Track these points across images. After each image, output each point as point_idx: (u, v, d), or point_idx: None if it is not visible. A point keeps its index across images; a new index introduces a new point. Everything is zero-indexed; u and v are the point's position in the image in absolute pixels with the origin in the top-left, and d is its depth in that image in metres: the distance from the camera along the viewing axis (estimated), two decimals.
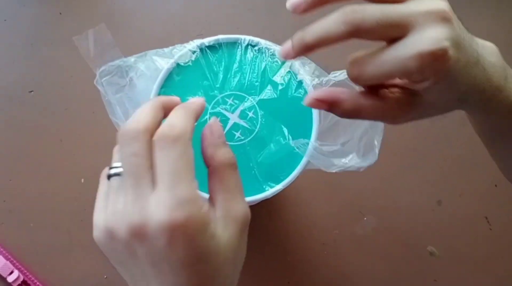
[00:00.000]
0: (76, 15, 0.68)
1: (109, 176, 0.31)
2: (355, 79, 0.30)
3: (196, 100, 0.34)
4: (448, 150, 0.64)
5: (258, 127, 0.42)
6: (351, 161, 0.42)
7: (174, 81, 0.41)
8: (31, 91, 0.64)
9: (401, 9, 0.28)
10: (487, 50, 0.33)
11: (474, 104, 0.33)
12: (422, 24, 0.28)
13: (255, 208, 0.54)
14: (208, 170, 0.32)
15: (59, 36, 0.67)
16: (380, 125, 0.41)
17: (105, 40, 0.38)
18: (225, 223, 0.30)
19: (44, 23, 0.67)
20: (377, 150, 0.41)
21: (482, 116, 0.36)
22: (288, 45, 0.31)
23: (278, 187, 0.42)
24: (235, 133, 0.42)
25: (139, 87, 0.40)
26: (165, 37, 0.66)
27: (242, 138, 0.41)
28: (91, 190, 0.61)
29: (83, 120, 0.63)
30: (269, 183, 0.42)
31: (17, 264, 0.58)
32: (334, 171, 0.42)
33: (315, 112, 0.42)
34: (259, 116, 0.42)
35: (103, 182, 0.33)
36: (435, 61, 0.28)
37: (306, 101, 0.32)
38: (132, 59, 0.40)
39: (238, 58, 0.42)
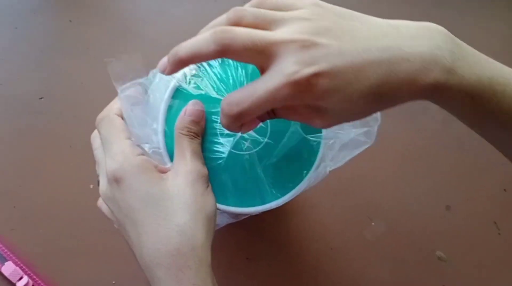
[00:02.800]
0: (86, 23, 0.69)
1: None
2: (237, 119, 0.31)
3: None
4: (456, 155, 0.64)
5: (267, 136, 0.41)
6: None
7: (183, 93, 0.41)
8: (41, 98, 0.65)
9: (267, 37, 0.30)
10: (414, 41, 0.31)
11: (408, 98, 0.32)
12: (284, 53, 0.29)
13: (262, 213, 0.54)
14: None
15: (70, 43, 0.67)
16: None
17: (136, 67, 0.39)
18: (175, 176, 0.37)
19: (54, 31, 0.68)
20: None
21: (443, 106, 0.35)
22: (164, 59, 0.34)
23: (284, 199, 0.42)
24: (245, 142, 0.41)
25: (152, 98, 0.40)
26: (173, 43, 0.66)
27: (251, 147, 0.41)
28: (99, 196, 0.62)
29: (92, 127, 0.63)
30: (277, 192, 0.42)
31: (27, 269, 0.58)
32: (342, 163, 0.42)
33: None
34: (269, 125, 0.42)
35: None
36: (301, 89, 0.29)
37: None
38: (151, 75, 0.40)
39: (248, 67, 0.41)
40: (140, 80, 0.40)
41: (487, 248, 0.61)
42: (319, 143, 0.42)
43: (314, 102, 0.30)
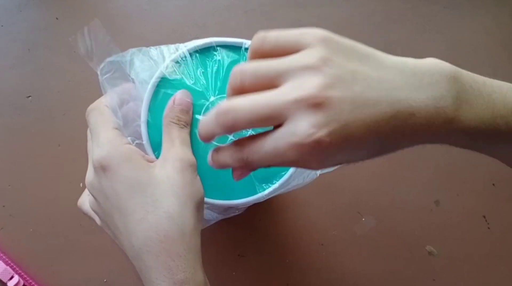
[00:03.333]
0: (73, 20, 0.68)
1: None
2: (243, 166, 0.33)
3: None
4: (445, 150, 0.64)
5: (251, 130, 0.41)
6: None
7: (167, 84, 0.41)
8: (29, 97, 0.64)
9: (272, 101, 0.29)
10: (420, 92, 0.30)
11: (409, 146, 0.32)
12: (294, 114, 0.28)
13: (252, 209, 0.54)
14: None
15: (57, 41, 0.67)
16: None
17: (101, 36, 0.39)
18: (163, 164, 0.37)
19: (41, 28, 0.67)
20: None
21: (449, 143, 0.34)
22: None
23: (271, 190, 0.42)
24: (231, 137, 0.42)
25: (136, 84, 0.40)
26: (162, 40, 0.66)
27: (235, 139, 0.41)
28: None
29: (82, 125, 0.63)
30: (263, 185, 0.42)
31: (17, 269, 0.58)
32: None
33: None
34: None
35: None
36: (311, 151, 0.28)
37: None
38: (128, 56, 0.40)
39: (232, 60, 0.42)
40: (116, 58, 0.39)
41: (477, 242, 0.62)
42: None
43: (321, 157, 0.29)
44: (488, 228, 0.62)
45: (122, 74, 0.40)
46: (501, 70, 0.68)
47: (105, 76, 0.39)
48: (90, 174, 0.38)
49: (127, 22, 0.68)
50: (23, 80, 0.65)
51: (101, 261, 0.59)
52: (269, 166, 0.32)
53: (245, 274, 0.60)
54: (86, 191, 0.43)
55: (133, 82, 0.40)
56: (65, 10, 0.68)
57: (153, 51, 0.41)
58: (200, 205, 0.37)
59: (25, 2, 0.68)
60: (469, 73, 0.33)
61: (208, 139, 0.33)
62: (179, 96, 0.40)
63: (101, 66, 0.39)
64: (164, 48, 0.42)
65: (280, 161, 0.30)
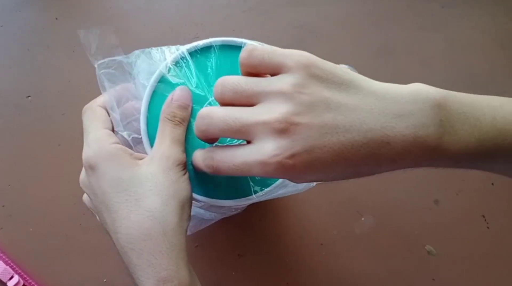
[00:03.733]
0: (72, 20, 0.68)
1: None
2: (212, 172, 0.35)
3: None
4: None
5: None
6: None
7: (166, 85, 0.41)
8: (29, 96, 0.65)
9: (243, 118, 0.31)
10: (398, 121, 0.30)
11: (388, 171, 0.32)
12: (261, 134, 0.30)
13: (251, 209, 0.54)
14: None
15: (56, 41, 0.67)
16: None
17: (108, 41, 0.39)
18: (150, 161, 0.37)
19: (40, 28, 0.67)
20: None
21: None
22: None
23: (263, 193, 0.42)
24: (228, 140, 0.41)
25: (137, 82, 0.41)
26: (161, 40, 0.67)
27: (234, 141, 0.41)
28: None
29: (81, 125, 0.63)
30: (258, 187, 0.42)
31: (17, 268, 0.58)
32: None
33: None
34: None
35: None
36: (276, 170, 0.30)
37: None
38: (133, 57, 0.40)
39: (231, 60, 0.42)
40: (119, 57, 0.40)
41: (476, 241, 0.62)
42: None
43: (288, 177, 0.31)
44: (488, 227, 0.62)
45: (121, 71, 0.40)
46: (498, 69, 0.68)
47: (103, 71, 0.39)
48: (82, 172, 0.40)
49: (125, 22, 0.68)
50: (23, 80, 0.65)
51: (101, 261, 0.59)
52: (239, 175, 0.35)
53: (245, 273, 0.60)
54: None
55: (133, 80, 0.41)
56: (65, 10, 0.68)
57: (154, 52, 0.42)
58: (185, 204, 0.37)
59: (24, 2, 0.68)
60: (459, 95, 0.32)
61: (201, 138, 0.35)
62: (178, 92, 0.40)
63: (101, 61, 0.39)
64: (165, 49, 0.42)
65: (248, 174, 0.32)
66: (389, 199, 0.63)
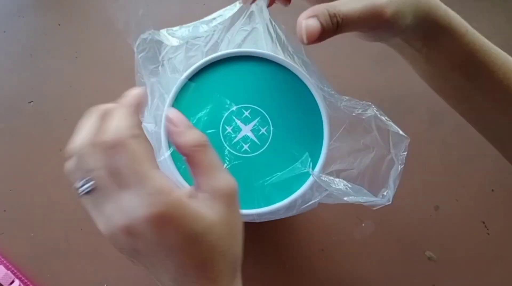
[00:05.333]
0: (74, 26, 0.69)
1: (80, 195, 0.32)
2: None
3: (131, 93, 0.34)
4: (444, 155, 0.64)
5: (267, 145, 0.42)
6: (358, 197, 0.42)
7: (199, 82, 0.41)
8: (31, 102, 0.65)
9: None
10: None
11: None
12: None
13: (261, 233, 0.54)
14: (185, 159, 0.33)
15: (59, 46, 0.67)
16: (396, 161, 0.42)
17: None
18: (210, 203, 0.31)
19: (43, 34, 0.68)
20: (391, 192, 0.42)
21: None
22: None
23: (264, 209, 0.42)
24: (244, 145, 0.41)
25: (168, 72, 0.40)
26: None
27: (249, 151, 0.41)
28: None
29: None
30: (264, 201, 0.42)
31: (18, 273, 0.58)
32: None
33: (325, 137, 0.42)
34: (271, 135, 0.42)
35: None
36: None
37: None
38: (159, 36, 0.40)
39: (265, 73, 0.42)
40: (149, 36, 0.39)
41: (476, 247, 0.62)
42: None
43: None
44: (488, 233, 0.62)
45: (153, 55, 0.40)
46: None
47: (141, 55, 0.38)
48: (119, 230, 0.30)
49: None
50: (25, 85, 0.66)
51: (101, 266, 0.59)
52: None
53: (245, 280, 0.60)
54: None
55: (163, 66, 0.40)
56: (67, 15, 0.69)
57: (185, 31, 0.41)
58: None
59: (27, 7, 0.69)
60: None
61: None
62: (175, 118, 0.34)
63: (137, 43, 0.38)
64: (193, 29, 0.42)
65: None
66: (389, 205, 0.63)
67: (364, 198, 0.41)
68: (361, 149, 0.44)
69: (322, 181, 0.41)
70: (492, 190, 0.63)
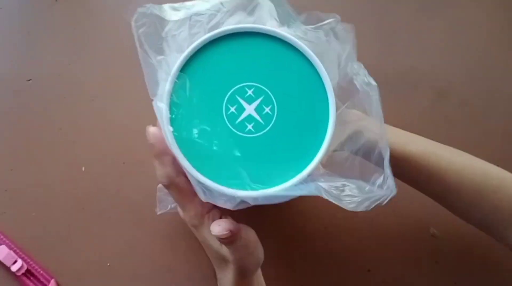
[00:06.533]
0: (72, 2, 0.67)
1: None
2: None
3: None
4: (446, 133, 0.64)
5: (271, 124, 0.41)
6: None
7: (202, 57, 0.40)
8: (29, 80, 0.64)
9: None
10: None
11: None
12: None
13: (256, 218, 0.53)
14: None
15: (56, 23, 0.66)
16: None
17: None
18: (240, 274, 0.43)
19: (40, 11, 0.66)
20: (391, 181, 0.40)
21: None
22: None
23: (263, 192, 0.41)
24: (248, 125, 0.40)
25: (174, 50, 0.39)
26: None
27: (253, 131, 0.40)
28: (92, 178, 0.61)
29: (82, 108, 0.63)
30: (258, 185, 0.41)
31: (20, 253, 0.58)
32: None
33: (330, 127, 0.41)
34: (275, 114, 0.41)
35: None
36: None
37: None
38: (160, 10, 0.39)
39: (269, 51, 0.40)
40: (147, 10, 0.37)
41: None
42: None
43: None
44: None
45: (154, 31, 0.38)
46: (503, 50, 0.68)
47: (141, 30, 0.37)
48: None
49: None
50: (23, 63, 0.65)
51: (104, 245, 0.59)
52: None
53: None
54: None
55: (167, 42, 0.39)
56: None
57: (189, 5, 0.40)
58: None
59: None
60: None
61: None
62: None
63: (135, 16, 0.37)
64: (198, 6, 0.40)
65: None
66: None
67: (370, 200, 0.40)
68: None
69: (330, 195, 0.40)
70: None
